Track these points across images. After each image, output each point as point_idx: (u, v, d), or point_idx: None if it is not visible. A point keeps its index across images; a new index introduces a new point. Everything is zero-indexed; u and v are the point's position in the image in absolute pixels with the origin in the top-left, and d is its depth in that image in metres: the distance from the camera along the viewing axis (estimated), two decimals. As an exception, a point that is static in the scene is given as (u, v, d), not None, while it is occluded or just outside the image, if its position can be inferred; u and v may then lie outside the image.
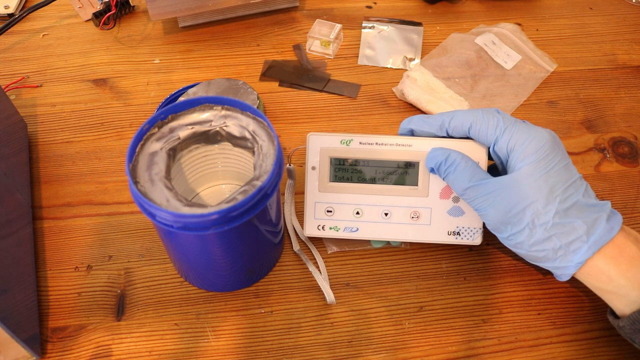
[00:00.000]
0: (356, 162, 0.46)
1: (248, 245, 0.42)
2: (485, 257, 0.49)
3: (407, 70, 0.64)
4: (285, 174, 0.50)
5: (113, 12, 0.69)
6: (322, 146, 0.45)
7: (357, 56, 0.66)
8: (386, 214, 0.46)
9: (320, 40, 0.65)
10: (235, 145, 0.44)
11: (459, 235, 0.47)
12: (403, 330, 0.45)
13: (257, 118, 0.42)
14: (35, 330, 0.44)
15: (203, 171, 0.48)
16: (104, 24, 0.69)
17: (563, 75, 0.65)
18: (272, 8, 0.71)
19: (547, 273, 0.48)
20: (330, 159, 0.46)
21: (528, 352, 0.44)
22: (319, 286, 0.46)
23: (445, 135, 0.45)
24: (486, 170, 0.44)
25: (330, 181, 0.46)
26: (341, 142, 0.45)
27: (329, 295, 0.45)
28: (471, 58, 0.64)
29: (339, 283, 0.47)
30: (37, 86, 0.62)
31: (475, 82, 0.62)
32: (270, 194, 0.39)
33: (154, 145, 0.41)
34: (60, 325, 0.45)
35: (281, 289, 0.47)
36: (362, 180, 0.46)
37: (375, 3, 0.73)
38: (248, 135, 0.42)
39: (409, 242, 0.50)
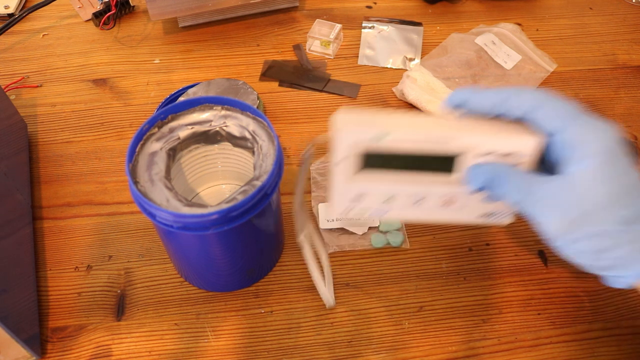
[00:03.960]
0: (389, 154, 0.41)
1: (248, 245, 0.42)
2: (485, 257, 0.49)
3: (407, 70, 0.64)
4: (286, 171, 0.49)
5: (113, 12, 0.69)
6: (351, 138, 0.40)
7: (357, 56, 0.66)
8: (418, 201, 0.43)
9: (320, 40, 0.65)
10: (235, 145, 0.44)
11: (490, 216, 0.43)
12: (403, 330, 0.45)
13: (257, 118, 0.42)
14: (35, 330, 0.43)
15: (203, 171, 0.48)
16: (104, 24, 0.69)
17: (563, 75, 0.65)
18: (272, 8, 0.71)
19: (547, 273, 0.48)
20: (360, 152, 0.40)
21: (528, 352, 0.44)
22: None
23: (495, 114, 0.40)
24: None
25: (358, 171, 0.41)
26: (374, 136, 0.40)
27: (328, 300, 0.45)
28: (471, 58, 0.64)
29: (339, 283, 0.47)
30: (37, 86, 0.62)
31: (475, 82, 0.62)
32: (270, 194, 0.39)
33: (154, 145, 0.41)
34: (60, 325, 0.45)
35: (281, 289, 0.47)
36: (395, 169, 0.41)
37: (375, 3, 0.73)
38: (248, 135, 0.42)
39: (409, 242, 0.50)
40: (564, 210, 0.37)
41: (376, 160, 0.41)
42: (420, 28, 0.69)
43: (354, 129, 0.40)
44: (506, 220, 0.43)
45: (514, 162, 0.40)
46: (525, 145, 0.39)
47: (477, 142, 0.40)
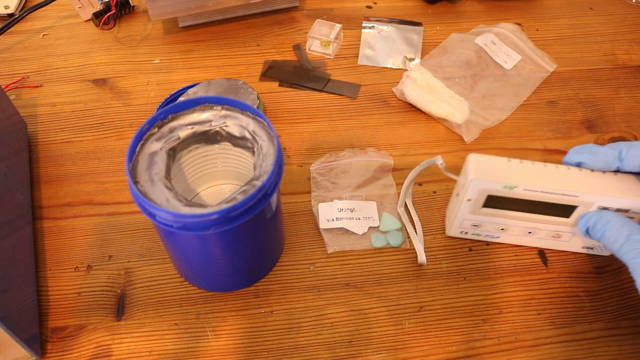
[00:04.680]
0: (514, 198, 0.44)
1: (248, 245, 0.42)
2: (485, 257, 0.49)
3: (407, 70, 0.64)
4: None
5: (113, 12, 0.69)
6: (483, 186, 0.43)
7: (357, 56, 0.66)
8: (529, 233, 0.47)
9: (320, 40, 0.65)
10: (235, 145, 0.44)
11: (593, 249, 0.48)
12: (403, 330, 0.45)
13: (257, 118, 0.42)
14: (35, 330, 0.43)
15: (203, 171, 0.48)
16: (104, 24, 0.69)
17: (563, 75, 0.65)
18: (272, 8, 0.71)
19: (547, 273, 0.48)
20: (488, 195, 0.44)
21: (528, 352, 0.44)
22: (318, 286, 0.47)
23: (617, 166, 0.43)
24: None
25: (482, 207, 0.45)
26: (504, 187, 0.43)
27: (421, 256, 0.47)
28: (471, 58, 0.64)
29: (339, 283, 0.47)
30: (37, 86, 0.62)
31: (475, 82, 0.62)
32: (270, 194, 0.39)
33: (154, 145, 0.41)
34: (60, 325, 0.45)
35: (281, 289, 0.47)
36: (515, 210, 0.45)
37: (375, 3, 0.73)
38: (248, 135, 0.42)
39: (409, 242, 0.50)
40: None
41: (500, 202, 0.44)
42: (420, 28, 0.69)
43: (486, 179, 0.43)
44: (607, 252, 0.47)
45: (629, 217, 0.43)
46: None
47: (600, 200, 0.42)
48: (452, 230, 0.48)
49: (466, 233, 0.48)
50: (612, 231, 0.41)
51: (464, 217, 0.46)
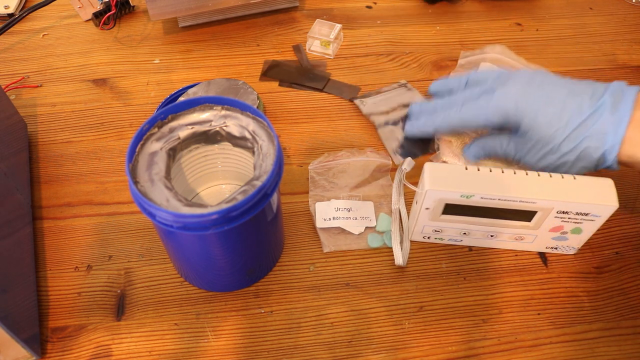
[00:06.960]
0: (472, 206, 0.44)
1: (248, 245, 0.42)
2: (485, 257, 0.49)
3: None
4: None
5: (113, 12, 0.69)
6: (440, 195, 0.43)
7: (357, 56, 0.66)
8: (492, 236, 0.47)
9: (320, 40, 0.65)
10: (235, 145, 0.44)
11: (556, 249, 0.48)
12: (403, 330, 0.45)
13: (257, 118, 0.42)
14: (35, 330, 0.44)
15: (203, 171, 0.48)
16: (104, 24, 0.69)
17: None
18: (272, 8, 0.71)
19: (547, 273, 0.48)
20: (446, 203, 0.44)
21: (528, 352, 0.44)
22: (318, 286, 0.47)
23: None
24: None
25: (441, 214, 0.45)
26: (461, 196, 0.43)
27: (397, 258, 0.47)
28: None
29: (339, 283, 0.47)
30: (37, 86, 0.62)
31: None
32: (270, 194, 0.39)
33: (154, 145, 0.41)
34: (60, 325, 0.45)
35: (281, 289, 0.47)
36: (475, 216, 0.45)
37: (375, 3, 0.73)
38: (248, 135, 0.42)
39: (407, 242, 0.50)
40: None
41: (460, 209, 0.45)
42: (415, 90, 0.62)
43: (442, 189, 0.43)
44: (571, 251, 0.48)
45: (589, 220, 0.44)
46: (603, 211, 0.43)
47: (559, 205, 0.43)
48: (414, 235, 0.49)
49: (428, 238, 0.49)
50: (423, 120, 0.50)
51: (424, 224, 0.47)
